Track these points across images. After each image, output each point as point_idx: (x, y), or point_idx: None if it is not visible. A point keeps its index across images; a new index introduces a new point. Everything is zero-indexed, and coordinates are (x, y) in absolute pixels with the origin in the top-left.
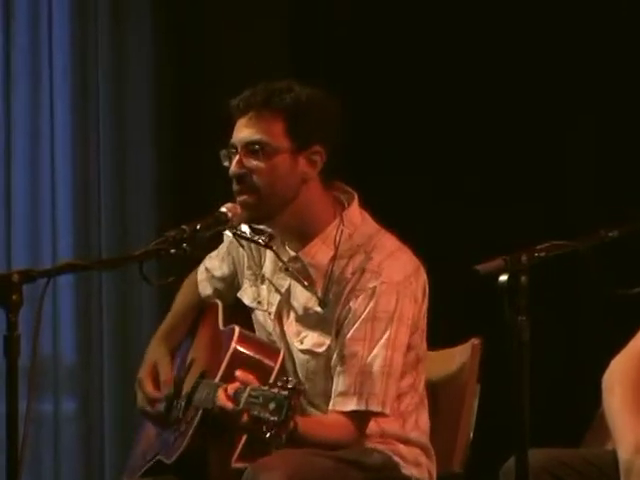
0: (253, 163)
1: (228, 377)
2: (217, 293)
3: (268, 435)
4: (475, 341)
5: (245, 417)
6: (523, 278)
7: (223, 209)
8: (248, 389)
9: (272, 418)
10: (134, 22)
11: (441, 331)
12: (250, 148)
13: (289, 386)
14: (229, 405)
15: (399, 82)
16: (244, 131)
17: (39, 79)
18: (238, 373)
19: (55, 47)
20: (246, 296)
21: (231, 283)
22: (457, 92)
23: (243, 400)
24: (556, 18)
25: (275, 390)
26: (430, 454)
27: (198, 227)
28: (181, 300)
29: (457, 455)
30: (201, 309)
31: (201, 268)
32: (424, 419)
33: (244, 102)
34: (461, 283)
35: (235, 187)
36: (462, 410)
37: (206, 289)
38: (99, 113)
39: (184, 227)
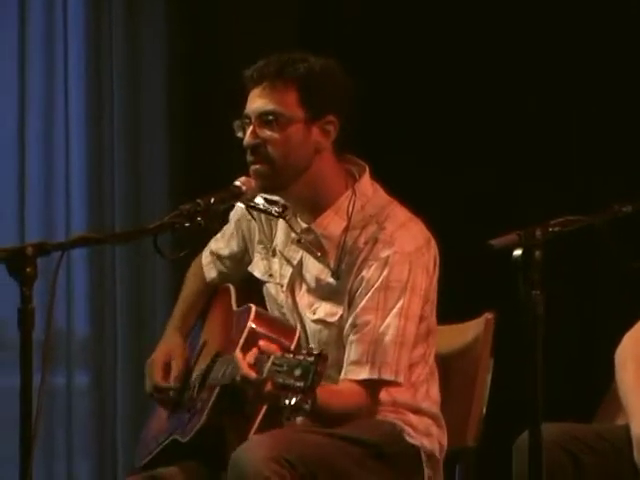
0: (267, 133)
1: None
2: (222, 276)
3: (294, 401)
4: (489, 315)
5: (269, 385)
6: (537, 253)
7: (237, 182)
8: (272, 357)
9: (298, 384)
10: (148, 13)
11: (455, 305)
12: (264, 118)
13: (314, 352)
14: (252, 374)
15: (410, 59)
16: (257, 101)
17: (54, 66)
18: (261, 343)
19: (70, 36)
20: (257, 269)
21: (240, 260)
22: (467, 73)
23: (266, 368)
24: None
25: (300, 357)
26: (441, 424)
27: (212, 200)
28: (190, 285)
29: (470, 429)
30: (210, 293)
31: (205, 252)
32: (435, 390)
33: (257, 72)
34: (475, 257)
35: (249, 157)
36: (475, 384)
37: (211, 272)
38: (113, 90)
39: (199, 200)
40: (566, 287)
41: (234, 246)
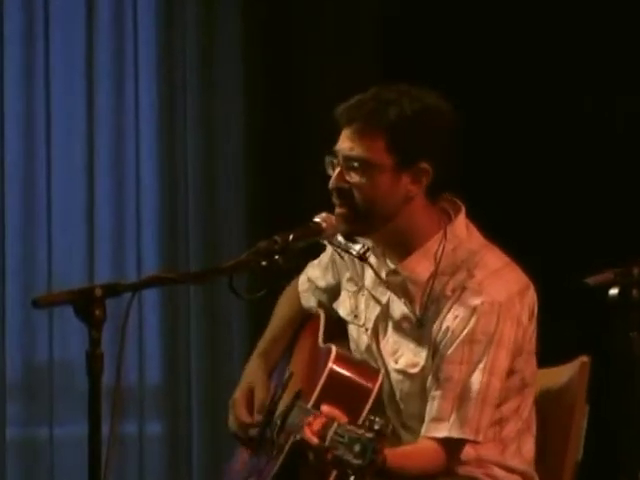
0: (354, 178)
1: (322, 400)
2: (321, 305)
3: (352, 479)
4: (584, 359)
5: (330, 456)
6: (635, 291)
7: (317, 219)
8: (334, 425)
9: (355, 462)
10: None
11: (548, 349)
12: (350, 164)
13: (375, 427)
14: (314, 440)
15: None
16: (346, 142)
17: (123, 100)
18: (324, 408)
19: (140, 43)
20: (342, 308)
21: (337, 294)
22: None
23: (329, 437)
24: None
25: (361, 431)
26: None
27: (291, 237)
28: (281, 313)
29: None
30: (302, 321)
31: (302, 278)
32: (528, 447)
33: (347, 114)
34: (570, 298)
35: (334, 200)
36: (570, 431)
37: (309, 301)
38: (186, 118)
39: (276, 238)
40: None
41: (330, 278)
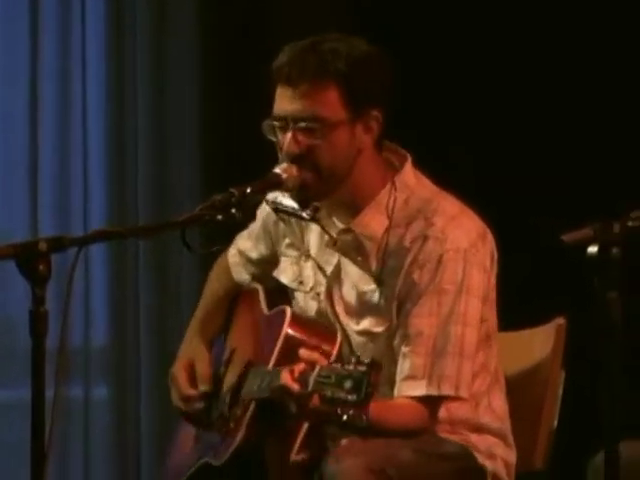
0: (310, 140)
1: (282, 364)
2: (255, 278)
3: (345, 417)
4: (560, 321)
5: (316, 400)
6: (615, 249)
7: (277, 170)
8: (317, 369)
9: (350, 397)
10: None
11: (520, 310)
12: (305, 125)
13: (366, 361)
14: (295, 387)
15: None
16: (294, 103)
17: (70, 44)
18: (302, 352)
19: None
20: (284, 275)
21: (270, 263)
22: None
23: (312, 381)
24: None
25: (350, 367)
26: (508, 442)
27: (248, 190)
28: (213, 289)
29: (538, 450)
30: (235, 295)
31: (232, 251)
32: (499, 401)
33: (289, 72)
34: (544, 255)
35: (290, 167)
36: (545, 400)
37: (241, 274)
38: (136, 60)
39: (233, 190)
40: None
41: (263, 249)
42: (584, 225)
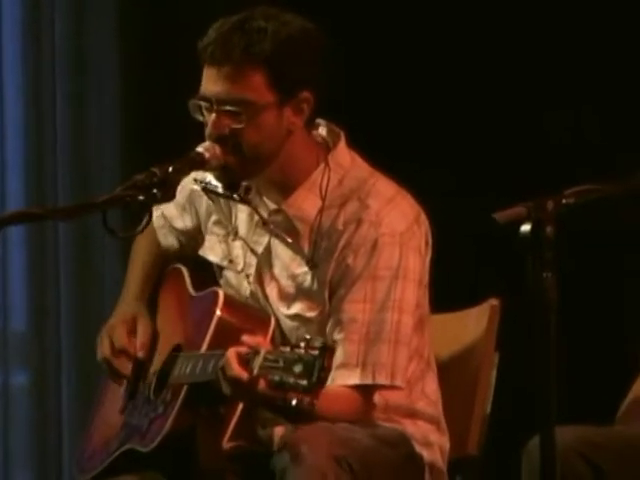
0: (235, 123)
1: (215, 348)
2: (182, 246)
3: (294, 403)
4: (493, 302)
5: (262, 385)
6: (549, 228)
7: (200, 149)
8: (262, 353)
9: (301, 382)
10: None
11: (452, 290)
12: (229, 107)
13: (316, 345)
14: (243, 374)
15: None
16: (219, 85)
17: None
18: (245, 337)
19: None
20: (212, 253)
21: (194, 238)
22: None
23: (257, 365)
24: None
25: (300, 351)
26: (441, 427)
27: (170, 170)
28: (142, 251)
29: (472, 436)
30: (164, 262)
31: (156, 212)
32: (432, 386)
33: (213, 53)
34: (476, 234)
35: (215, 148)
36: (477, 383)
37: (167, 238)
38: (54, 36)
39: (154, 170)
40: (583, 268)
41: (187, 221)
42: (517, 203)
